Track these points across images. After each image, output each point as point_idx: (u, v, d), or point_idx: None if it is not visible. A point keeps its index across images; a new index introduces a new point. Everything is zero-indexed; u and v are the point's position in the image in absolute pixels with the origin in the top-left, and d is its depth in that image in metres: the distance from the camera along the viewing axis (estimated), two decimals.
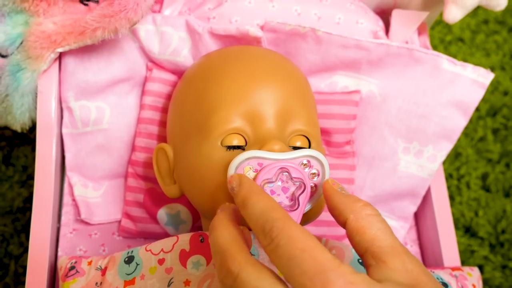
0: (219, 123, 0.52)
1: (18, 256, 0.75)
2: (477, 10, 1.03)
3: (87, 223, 0.65)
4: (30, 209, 0.77)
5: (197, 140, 0.53)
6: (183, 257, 0.50)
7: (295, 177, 0.48)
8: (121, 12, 0.55)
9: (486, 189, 0.89)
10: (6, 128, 0.81)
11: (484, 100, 0.94)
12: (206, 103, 0.54)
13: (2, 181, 0.79)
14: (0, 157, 0.80)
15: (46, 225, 0.59)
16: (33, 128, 0.81)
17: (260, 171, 0.48)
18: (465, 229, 0.85)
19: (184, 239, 0.51)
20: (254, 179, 0.48)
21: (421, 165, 0.67)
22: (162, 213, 0.64)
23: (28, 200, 0.78)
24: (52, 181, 0.60)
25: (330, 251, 0.51)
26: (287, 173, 0.48)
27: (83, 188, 0.65)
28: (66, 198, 0.66)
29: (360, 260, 0.52)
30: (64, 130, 0.64)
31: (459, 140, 0.90)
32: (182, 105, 0.57)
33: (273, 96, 0.53)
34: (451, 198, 0.86)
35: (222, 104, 0.53)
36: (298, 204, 0.49)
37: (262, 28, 0.63)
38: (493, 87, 0.96)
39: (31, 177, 0.79)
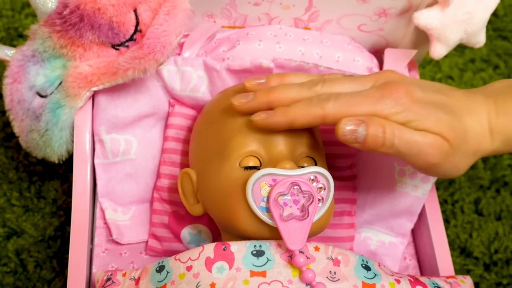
0: (237, 147, 0.60)
1: (50, 280, 0.82)
2: (464, 50, 1.12)
3: (117, 243, 0.72)
4: (61, 237, 0.84)
5: (218, 163, 0.61)
6: (208, 263, 0.57)
7: (304, 190, 0.56)
8: (150, 54, 0.64)
9: (479, 213, 0.96)
10: (38, 164, 0.89)
11: None
12: (225, 131, 0.62)
13: (34, 212, 0.86)
14: (32, 190, 0.88)
15: (83, 246, 0.66)
16: (62, 163, 0.89)
17: (274, 185, 0.56)
18: (460, 250, 0.91)
19: (209, 248, 0.58)
20: (269, 192, 0.56)
21: (416, 185, 0.74)
22: (185, 233, 0.71)
23: (59, 229, 0.85)
24: (88, 207, 0.68)
25: (337, 256, 0.58)
26: (297, 187, 0.56)
27: (113, 212, 0.72)
28: (98, 222, 0.73)
29: (363, 264, 0.59)
30: (96, 161, 0.72)
31: None
32: (204, 134, 0.66)
33: None
34: (447, 221, 0.93)
35: (240, 130, 0.61)
36: (308, 214, 0.56)
37: None
38: None
39: (60, 208, 0.87)
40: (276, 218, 0.56)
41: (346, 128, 0.56)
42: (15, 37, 1.00)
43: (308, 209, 0.56)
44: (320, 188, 0.58)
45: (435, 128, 0.56)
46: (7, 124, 0.91)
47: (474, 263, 0.90)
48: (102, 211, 0.73)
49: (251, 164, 0.60)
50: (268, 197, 0.56)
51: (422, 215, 0.76)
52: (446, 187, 0.96)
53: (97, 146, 0.71)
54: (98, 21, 0.65)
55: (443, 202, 0.94)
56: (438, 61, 1.09)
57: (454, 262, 0.87)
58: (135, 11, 0.65)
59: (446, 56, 1.10)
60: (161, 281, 0.58)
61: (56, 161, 0.72)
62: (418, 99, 0.57)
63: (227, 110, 0.64)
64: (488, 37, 1.14)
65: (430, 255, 0.74)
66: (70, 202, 0.86)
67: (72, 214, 0.67)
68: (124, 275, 0.62)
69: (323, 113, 0.57)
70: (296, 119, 0.58)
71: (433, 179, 0.74)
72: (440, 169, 0.58)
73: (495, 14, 1.17)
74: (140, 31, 0.66)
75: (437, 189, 0.93)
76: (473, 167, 0.99)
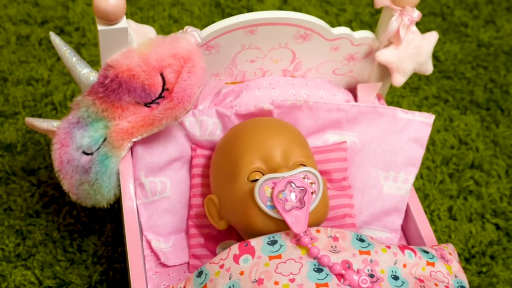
0: (244, 166, 0.78)
1: None
2: (418, 90, 1.33)
3: (165, 266, 0.86)
4: (106, 280, 0.98)
5: (231, 182, 0.78)
6: (236, 258, 0.71)
7: (298, 186, 0.73)
8: (179, 104, 0.81)
9: (453, 218, 1.13)
10: (76, 223, 1.03)
11: (437, 153, 1.21)
12: (233, 155, 0.79)
13: (78, 264, 1.00)
14: (74, 246, 1.01)
15: (141, 273, 0.79)
16: (97, 218, 1.03)
17: (275, 186, 0.73)
18: None
19: (234, 247, 0.73)
20: (272, 192, 0.72)
21: (399, 187, 0.91)
22: (219, 249, 0.86)
23: (103, 274, 0.98)
24: (139, 236, 0.82)
25: (335, 234, 0.74)
26: (293, 184, 0.73)
27: (157, 242, 0.87)
28: (146, 251, 0.87)
29: (358, 238, 0.74)
30: (138, 201, 0.86)
31: (424, 185, 1.16)
32: (218, 165, 0.83)
33: (277, 143, 0.79)
34: None
35: (245, 153, 0.78)
36: (305, 203, 0.73)
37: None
38: (442, 144, 1.23)
39: (101, 257, 1.00)
40: (281, 210, 0.72)
41: None
42: None
43: (303, 199, 0.73)
44: (311, 183, 0.75)
45: None
46: (43, 195, 1.06)
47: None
48: (148, 242, 0.87)
49: (257, 177, 0.77)
50: (271, 197, 0.73)
51: (407, 212, 0.92)
52: (423, 201, 1.13)
53: (138, 189, 0.87)
54: (133, 85, 0.82)
55: None
56: (398, 101, 1.30)
57: None
58: (161, 74, 0.82)
59: (403, 97, 1.31)
60: (202, 283, 0.72)
61: (105, 206, 0.87)
62: None
63: (231, 142, 0.82)
64: (436, 78, 1.36)
65: (420, 244, 0.90)
66: (110, 251, 1.00)
67: (127, 246, 0.81)
68: None
69: None
70: None
71: (411, 181, 0.92)
72: None
73: (437, 59, 1.39)
74: (167, 89, 0.83)
75: None
76: (442, 181, 1.17)
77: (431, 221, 1.11)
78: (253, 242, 0.73)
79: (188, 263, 0.88)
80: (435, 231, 1.09)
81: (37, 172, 1.09)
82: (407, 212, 0.92)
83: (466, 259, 1.07)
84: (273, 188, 0.73)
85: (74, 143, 0.85)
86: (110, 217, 1.05)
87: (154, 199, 0.87)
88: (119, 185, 0.86)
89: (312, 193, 0.74)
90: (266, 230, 0.74)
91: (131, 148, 0.86)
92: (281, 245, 0.72)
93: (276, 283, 0.67)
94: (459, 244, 1.08)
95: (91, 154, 0.85)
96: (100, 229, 1.03)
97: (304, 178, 0.74)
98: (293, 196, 0.73)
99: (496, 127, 1.28)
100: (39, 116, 1.17)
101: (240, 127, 0.85)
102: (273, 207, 0.73)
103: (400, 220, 0.92)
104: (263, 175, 0.77)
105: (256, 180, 0.76)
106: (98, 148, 0.85)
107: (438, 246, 0.81)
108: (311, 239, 0.72)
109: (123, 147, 0.84)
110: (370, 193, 0.91)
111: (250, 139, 0.80)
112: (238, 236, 0.87)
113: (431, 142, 1.23)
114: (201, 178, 0.89)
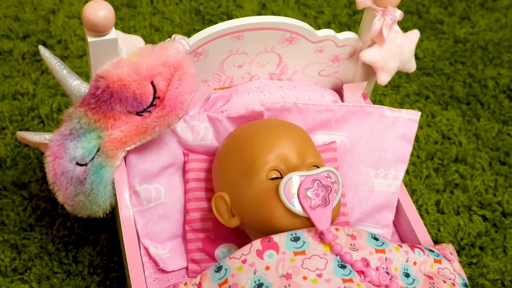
0: (262, 165, 0.79)
1: None
2: (399, 88, 1.35)
3: (164, 272, 0.87)
4: None
5: (247, 180, 0.79)
6: (259, 253, 0.73)
7: (324, 184, 0.74)
8: (172, 111, 0.82)
9: (441, 212, 1.15)
10: (70, 234, 1.04)
11: (421, 149, 1.24)
12: (249, 155, 0.81)
13: (75, 275, 1.00)
14: (70, 257, 1.01)
15: (141, 280, 0.81)
16: (91, 229, 1.04)
17: (301, 183, 0.74)
18: (434, 243, 1.10)
19: (256, 243, 0.74)
20: (298, 189, 0.74)
21: (389, 183, 0.93)
22: (218, 252, 0.87)
23: (100, 283, 0.99)
24: (137, 244, 0.83)
25: (352, 233, 0.76)
26: (318, 182, 0.74)
27: (154, 248, 0.88)
28: (144, 258, 0.87)
29: (373, 236, 0.76)
30: (133, 209, 0.87)
31: (411, 180, 1.18)
32: (228, 164, 0.83)
33: (292, 142, 0.81)
34: None
35: (261, 153, 0.80)
36: (329, 201, 0.74)
37: None
38: (426, 140, 1.26)
39: (98, 267, 1.01)
40: (306, 208, 0.74)
41: None
42: None
43: (328, 197, 0.75)
44: (333, 182, 0.77)
45: None
46: (36, 208, 1.07)
47: None
48: (145, 249, 0.88)
49: (274, 175, 0.78)
50: (297, 194, 0.74)
51: (398, 208, 0.94)
52: (410, 196, 1.15)
53: (133, 197, 0.87)
54: (125, 95, 0.83)
55: None
56: (380, 100, 1.32)
57: None
58: (152, 82, 0.83)
59: (385, 95, 1.33)
60: (221, 278, 0.73)
61: (101, 216, 0.87)
62: None
63: (243, 142, 0.83)
64: (416, 75, 1.39)
65: (413, 239, 0.92)
66: (106, 261, 1.01)
67: (126, 254, 0.81)
68: (185, 284, 0.76)
69: None
70: None
71: (401, 177, 0.94)
72: None
73: (416, 57, 1.42)
74: (158, 97, 0.84)
75: None
76: (428, 176, 1.19)
77: (420, 216, 1.13)
78: (276, 238, 0.74)
79: (186, 268, 0.89)
80: (424, 225, 1.11)
81: (28, 185, 1.09)
82: (398, 207, 0.95)
83: (456, 251, 1.09)
84: (298, 186, 0.75)
85: (67, 154, 0.86)
86: (104, 227, 1.05)
87: (149, 206, 0.88)
88: (114, 194, 0.86)
89: (334, 191, 0.77)
90: (287, 226, 0.76)
91: (124, 157, 0.87)
92: (304, 242, 0.74)
93: (305, 278, 0.69)
94: (448, 237, 1.10)
95: (85, 165, 0.86)
96: (95, 239, 1.04)
97: (326, 177, 0.77)
98: (316, 195, 0.75)
99: (477, 121, 1.31)
100: (27, 130, 1.17)
101: (248, 127, 0.86)
102: (298, 204, 0.75)
103: (392, 215, 0.94)
104: (280, 173, 0.79)
105: (274, 178, 0.78)
106: (92, 158, 0.85)
107: (440, 246, 0.84)
108: (334, 236, 0.74)
109: (117, 157, 0.85)
110: (361, 191, 0.93)
111: (264, 139, 0.82)
112: (237, 239, 0.88)
113: (415, 138, 1.25)
114: (196, 182, 0.90)
